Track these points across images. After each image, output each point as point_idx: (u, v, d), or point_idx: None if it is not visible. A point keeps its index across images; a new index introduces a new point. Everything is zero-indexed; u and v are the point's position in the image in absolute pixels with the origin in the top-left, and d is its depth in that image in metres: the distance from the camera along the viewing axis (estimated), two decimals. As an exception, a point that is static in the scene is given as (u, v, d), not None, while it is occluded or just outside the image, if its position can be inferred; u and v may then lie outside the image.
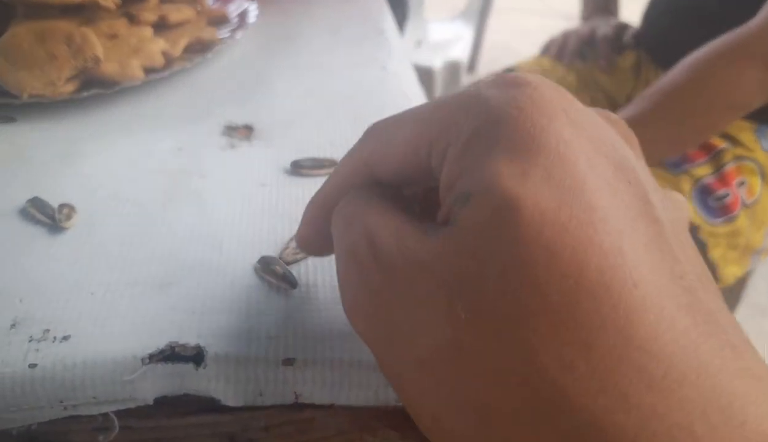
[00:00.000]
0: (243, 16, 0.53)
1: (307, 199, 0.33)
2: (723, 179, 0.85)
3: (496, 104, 0.17)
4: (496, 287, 0.15)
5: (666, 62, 0.91)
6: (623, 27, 1.10)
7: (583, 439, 0.14)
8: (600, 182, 0.16)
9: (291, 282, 0.28)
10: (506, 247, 0.15)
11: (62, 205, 0.32)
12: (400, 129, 0.20)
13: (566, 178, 0.16)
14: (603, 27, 1.10)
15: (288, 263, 0.29)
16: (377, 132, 0.21)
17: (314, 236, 0.25)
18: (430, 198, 0.23)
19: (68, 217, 0.31)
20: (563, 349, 0.15)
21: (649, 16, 1.04)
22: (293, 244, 0.30)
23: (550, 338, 0.15)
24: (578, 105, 0.18)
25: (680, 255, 0.16)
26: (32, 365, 0.24)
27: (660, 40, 1.01)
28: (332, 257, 0.29)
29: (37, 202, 0.32)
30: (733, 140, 0.87)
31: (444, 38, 2.04)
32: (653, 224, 0.17)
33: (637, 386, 0.14)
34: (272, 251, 0.30)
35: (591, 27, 1.12)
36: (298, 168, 0.35)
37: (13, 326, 0.25)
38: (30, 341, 0.25)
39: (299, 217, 0.32)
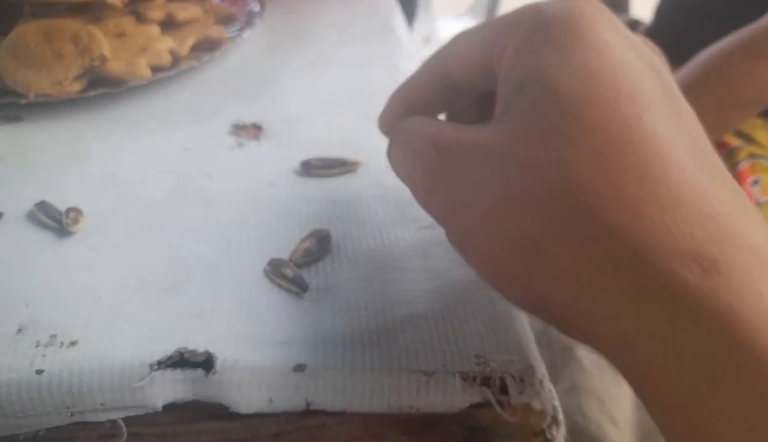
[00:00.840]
0: (251, 14, 0.52)
1: (318, 199, 0.33)
2: (736, 178, 0.84)
3: (548, 12, 0.21)
4: (540, 146, 0.19)
5: (678, 59, 0.90)
6: (634, 24, 1.09)
7: (611, 250, 0.18)
8: (629, 70, 0.20)
9: (302, 286, 0.27)
10: (548, 119, 0.19)
11: (69, 209, 0.31)
12: (473, 36, 0.24)
13: (600, 67, 0.20)
14: (613, 23, 1.09)
15: (298, 266, 0.28)
16: (457, 38, 0.25)
17: (391, 117, 0.28)
18: (483, 108, 0.27)
19: (75, 221, 0.31)
20: (594, 182, 0.18)
21: (661, 12, 1.03)
22: (303, 246, 0.29)
23: (581, 174, 0.19)
24: (619, 20, 0.22)
25: (696, 135, 0.20)
26: (39, 371, 0.23)
27: (672, 37, 0.99)
28: (342, 266, 0.29)
29: (44, 207, 0.32)
30: (747, 138, 0.86)
31: (452, 35, 2.03)
32: (675, 107, 0.20)
33: (650, 206, 0.18)
34: (282, 253, 0.29)
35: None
36: (307, 168, 0.35)
37: (19, 331, 0.25)
38: (37, 347, 0.24)
39: (309, 218, 0.31)
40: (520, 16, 0.22)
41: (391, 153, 0.26)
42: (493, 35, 0.23)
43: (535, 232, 0.19)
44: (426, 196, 0.23)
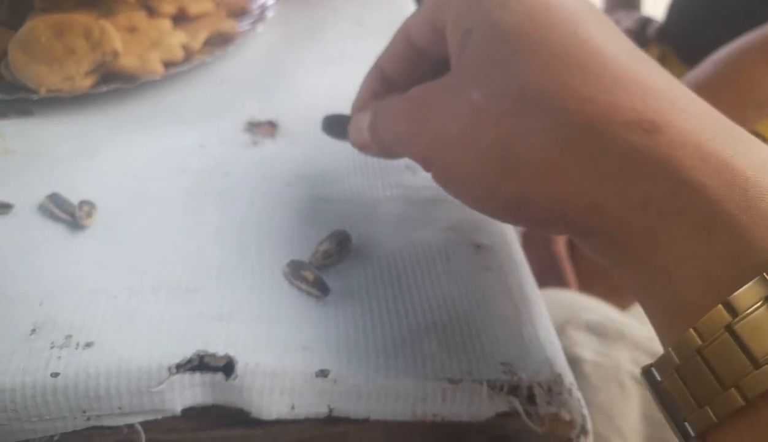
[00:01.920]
0: (263, 7, 0.52)
1: (336, 199, 0.32)
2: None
3: None
4: (495, 69, 0.23)
5: (690, 57, 0.89)
6: (647, 21, 1.08)
7: (569, 134, 0.21)
8: (558, 2, 0.23)
9: (323, 289, 0.26)
10: (499, 48, 0.23)
11: (82, 202, 0.31)
12: (422, 9, 0.28)
13: (533, 2, 0.23)
14: (626, 21, 1.08)
15: (318, 268, 0.28)
16: (416, 10, 0.28)
17: (368, 99, 0.31)
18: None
19: (89, 214, 0.30)
20: (546, 84, 0.22)
21: (674, 10, 1.02)
22: (323, 248, 0.28)
23: (534, 82, 0.22)
24: None
25: (625, 40, 0.23)
26: (54, 374, 0.23)
27: (684, 34, 0.99)
28: (362, 268, 0.28)
29: (56, 199, 0.31)
30: (762, 138, 0.85)
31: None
32: (604, 21, 0.23)
33: (595, 91, 0.21)
34: (301, 255, 0.28)
35: (613, 21, 1.10)
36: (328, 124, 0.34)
37: (33, 331, 0.24)
38: (52, 348, 0.24)
39: (329, 219, 0.31)
40: None
41: (376, 120, 0.28)
42: (435, 8, 0.27)
43: (504, 137, 0.22)
44: (408, 143, 0.26)
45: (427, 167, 0.26)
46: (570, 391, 0.24)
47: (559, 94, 0.21)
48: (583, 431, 0.24)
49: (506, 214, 0.24)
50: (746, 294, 0.17)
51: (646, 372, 0.20)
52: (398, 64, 0.30)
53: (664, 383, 0.19)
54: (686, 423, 0.19)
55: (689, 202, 0.19)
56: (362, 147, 0.30)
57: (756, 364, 0.17)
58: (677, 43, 1.00)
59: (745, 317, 0.17)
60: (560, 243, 0.80)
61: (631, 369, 0.50)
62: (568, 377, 0.24)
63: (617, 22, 1.09)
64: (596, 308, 0.56)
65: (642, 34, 1.06)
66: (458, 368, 0.24)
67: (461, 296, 0.27)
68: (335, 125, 0.33)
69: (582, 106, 0.21)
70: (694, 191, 0.19)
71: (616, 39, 0.23)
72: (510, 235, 0.31)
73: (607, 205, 0.20)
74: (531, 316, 0.26)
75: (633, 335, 0.51)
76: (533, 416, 0.24)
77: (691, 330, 0.18)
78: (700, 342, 0.18)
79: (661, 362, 0.19)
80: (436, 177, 0.25)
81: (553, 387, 0.24)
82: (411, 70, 0.29)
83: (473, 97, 0.23)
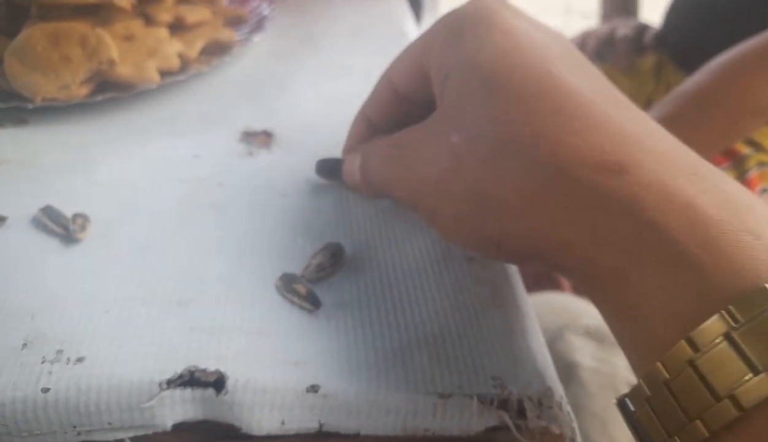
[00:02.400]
0: (260, 16, 0.52)
1: (330, 211, 0.32)
2: (745, 185, 0.83)
3: (462, 12, 0.26)
4: (472, 114, 0.24)
5: (687, 64, 0.89)
6: (644, 28, 1.08)
7: (542, 177, 0.22)
8: (534, 42, 0.24)
9: (315, 303, 0.26)
10: (475, 92, 0.24)
11: (76, 215, 0.31)
12: (408, 49, 0.29)
13: (510, 43, 0.24)
14: (623, 27, 1.08)
15: (311, 281, 0.28)
16: (397, 58, 0.30)
17: (357, 138, 0.32)
18: None
19: (82, 227, 0.30)
20: (521, 127, 0.22)
21: (671, 16, 1.02)
22: (316, 261, 0.28)
23: (509, 125, 0.23)
24: (522, 12, 0.26)
25: (599, 78, 0.24)
26: (45, 389, 0.23)
27: (681, 41, 0.99)
28: (355, 281, 0.28)
29: (49, 212, 0.31)
30: (757, 146, 0.85)
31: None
32: (578, 61, 0.25)
33: (566, 135, 0.22)
34: (294, 267, 0.28)
35: (610, 27, 1.10)
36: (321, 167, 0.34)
37: (24, 345, 0.24)
38: (43, 363, 0.24)
39: (321, 231, 0.31)
40: (441, 20, 0.27)
41: (364, 164, 0.30)
42: (422, 42, 0.28)
43: (482, 180, 0.23)
44: (393, 187, 0.28)
45: (413, 210, 0.27)
46: (560, 404, 0.24)
47: (533, 138, 0.22)
48: (574, 445, 0.24)
49: (488, 252, 0.25)
50: (707, 330, 0.18)
51: (621, 403, 0.21)
52: (382, 110, 0.31)
53: (637, 414, 0.20)
54: None
55: (653, 242, 0.19)
56: (356, 189, 0.32)
57: (717, 398, 0.17)
58: (674, 50, 1.01)
59: (706, 352, 0.18)
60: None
61: (628, 377, 0.50)
62: (558, 391, 0.24)
63: (614, 29, 1.09)
64: (595, 313, 0.56)
65: (639, 40, 1.06)
66: (449, 382, 0.24)
67: (453, 309, 0.27)
68: (328, 168, 0.34)
69: (554, 149, 0.22)
70: (658, 232, 0.19)
71: (590, 78, 0.24)
72: (503, 247, 0.31)
73: (577, 243, 0.21)
74: (522, 329, 0.26)
75: None
76: (523, 430, 0.24)
77: (658, 364, 0.19)
78: (666, 375, 0.18)
79: (633, 393, 0.20)
80: (423, 218, 0.27)
81: (543, 401, 0.24)
82: (395, 115, 0.31)
83: (452, 140, 0.24)
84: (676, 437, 0.18)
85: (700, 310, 0.18)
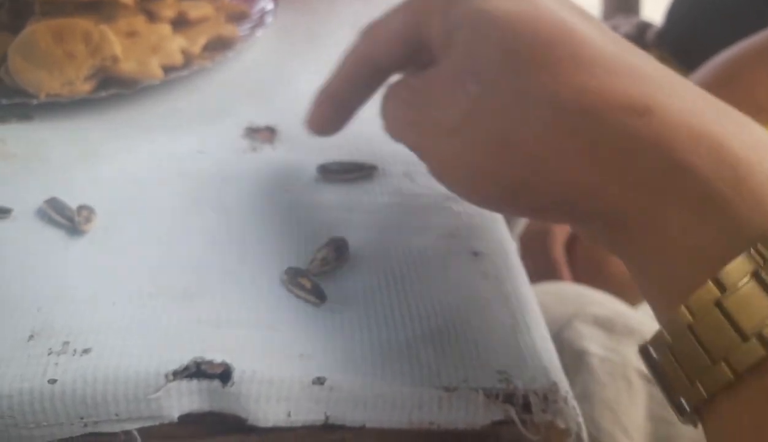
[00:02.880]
0: (263, 12, 0.52)
1: (334, 206, 0.32)
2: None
3: None
4: (488, 60, 0.23)
5: (689, 61, 0.89)
6: (646, 26, 1.08)
7: (565, 123, 0.21)
8: None
9: (320, 297, 0.26)
10: (489, 38, 0.23)
11: (81, 207, 0.31)
12: (389, 23, 0.28)
13: None
14: (625, 25, 1.08)
15: (315, 276, 0.28)
16: (370, 31, 0.29)
17: (322, 119, 0.32)
18: None
19: (88, 219, 0.30)
20: (540, 75, 0.22)
21: (673, 14, 1.02)
22: (321, 255, 0.28)
23: (527, 72, 0.22)
24: None
25: (608, 30, 0.24)
26: (52, 381, 0.23)
27: (683, 39, 0.99)
28: (360, 275, 0.28)
29: (54, 203, 0.31)
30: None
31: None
32: (586, 14, 0.24)
33: (588, 79, 0.21)
34: (299, 262, 0.28)
35: (612, 25, 1.10)
36: (324, 172, 0.34)
37: (31, 337, 0.25)
38: (49, 354, 0.24)
39: (327, 226, 0.31)
40: None
41: (382, 110, 0.28)
42: (415, 13, 0.27)
43: (503, 128, 0.23)
44: (405, 131, 0.27)
45: (422, 157, 0.27)
46: (565, 399, 0.24)
47: (553, 84, 0.22)
48: (578, 439, 0.24)
49: (505, 203, 0.25)
50: (734, 270, 0.18)
51: (643, 350, 0.21)
52: (356, 90, 0.30)
53: (660, 361, 0.20)
54: (681, 399, 0.19)
55: (682, 183, 0.19)
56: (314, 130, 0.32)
57: (744, 337, 0.17)
58: (676, 48, 1.01)
59: (733, 293, 0.17)
60: (558, 249, 0.80)
61: (638, 365, 0.50)
62: (564, 386, 0.24)
63: (616, 27, 1.09)
64: (604, 302, 0.56)
65: (641, 38, 1.06)
66: (454, 376, 0.24)
67: (458, 304, 0.27)
68: (329, 171, 0.34)
69: (576, 95, 0.21)
70: (686, 171, 0.19)
71: (601, 28, 0.24)
72: (507, 242, 0.31)
73: (603, 186, 0.21)
74: (528, 324, 0.26)
75: (641, 330, 0.51)
76: (528, 424, 0.24)
77: (683, 307, 0.18)
78: (690, 319, 0.18)
79: (655, 340, 0.20)
80: (432, 168, 0.26)
81: (549, 395, 0.24)
82: (370, 93, 0.30)
83: (470, 89, 0.24)
84: (697, 383, 0.18)
85: (728, 249, 0.18)
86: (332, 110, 0.31)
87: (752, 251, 0.17)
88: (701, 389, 0.18)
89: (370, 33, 0.29)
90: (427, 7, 0.26)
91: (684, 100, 0.21)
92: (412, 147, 0.27)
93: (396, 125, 0.28)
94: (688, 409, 0.19)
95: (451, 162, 0.25)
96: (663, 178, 0.20)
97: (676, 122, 0.20)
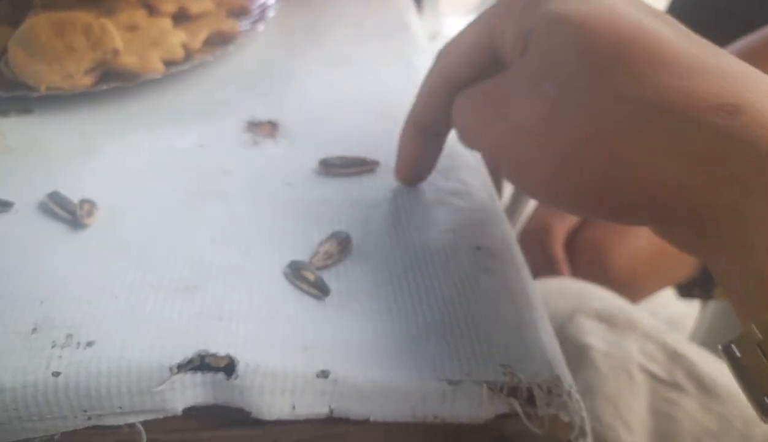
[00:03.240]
0: (263, 6, 0.52)
1: (336, 200, 0.32)
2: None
3: None
4: (567, 62, 0.23)
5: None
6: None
7: (653, 122, 0.21)
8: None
9: (323, 290, 0.26)
10: (566, 40, 0.24)
11: (83, 201, 0.31)
12: (462, 38, 0.29)
13: None
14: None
15: (318, 269, 0.28)
16: (445, 50, 0.29)
17: (415, 161, 0.32)
18: None
19: (90, 213, 0.30)
20: (622, 75, 0.22)
21: (672, 14, 1.03)
22: (324, 248, 0.28)
23: (610, 73, 0.22)
24: None
25: (685, 30, 0.24)
26: (56, 373, 0.23)
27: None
28: (363, 269, 0.28)
29: (56, 197, 0.31)
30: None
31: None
32: (658, 13, 0.24)
33: (673, 80, 0.22)
34: (301, 256, 0.28)
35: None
36: (326, 167, 0.34)
37: (34, 330, 0.24)
38: (53, 347, 0.24)
39: (329, 220, 0.31)
40: (505, 2, 0.27)
41: (454, 120, 0.29)
42: (487, 25, 0.27)
43: (584, 130, 0.23)
44: (481, 138, 0.27)
45: (497, 162, 0.27)
46: (569, 393, 0.24)
47: (635, 84, 0.22)
48: (582, 433, 0.24)
49: (589, 206, 0.24)
50: None
51: (726, 348, 0.21)
52: (439, 114, 0.30)
53: (744, 359, 0.20)
54: (766, 399, 0.19)
55: None
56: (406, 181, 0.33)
57: None
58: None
59: None
60: (557, 247, 0.80)
61: (640, 360, 0.50)
62: (568, 379, 0.24)
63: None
64: (606, 297, 0.56)
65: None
66: (458, 370, 0.24)
67: (461, 298, 0.27)
68: (331, 166, 0.34)
69: (661, 94, 0.21)
70: None
71: (681, 31, 0.24)
72: (510, 237, 0.31)
73: (692, 185, 0.21)
74: (531, 318, 0.26)
75: (643, 325, 0.51)
76: (533, 418, 0.24)
77: None
78: None
79: (742, 338, 0.20)
80: (511, 173, 0.26)
81: (553, 389, 0.24)
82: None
83: (548, 91, 0.24)
84: None
85: None
86: (421, 140, 0.31)
87: None
88: None
89: (445, 52, 0.29)
90: (500, 17, 0.27)
91: None
92: (489, 152, 0.27)
93: (471, 132, 0.28)
94: None
95: (531, 165, 0.25)
96: (755, 176, 0.20)
97: (765, 121, 0.20)
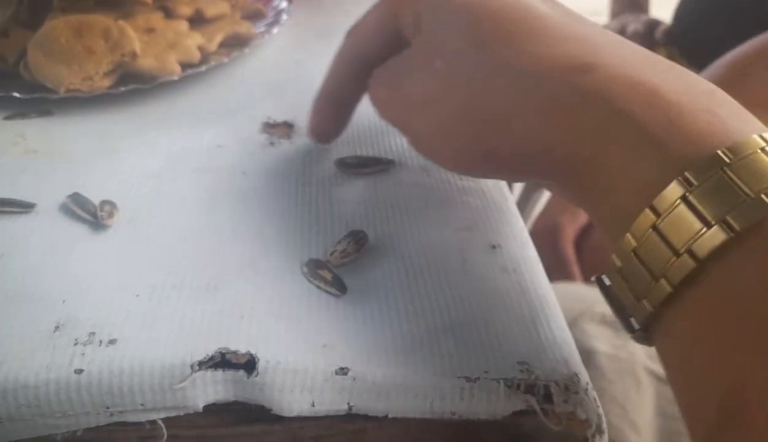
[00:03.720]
0: (278, 10, 0.52)
1: (352, 199, 0.33)
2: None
3: None
4: (453, 38, 0.27)
5: (698, 59, 0.89)
6: (654, 23, 1.08)
7: (525, 86, 0.24)
8: None
9: (341, 288, 0.27)
10: (450, 16, 0.27)
11: (104, 202, 0.31)
12: (369, 17, 0.32)
13: None
14: (633, 23, 1.08)
15: (336, 267, 0.28)
16: (352, 31, 0.33)
17: (323, 125, 0.35)
18: None
19: (110, 214, 0.31)
20: (501, 45, 0.25)
21: (681, 12, 1.02)
22: (341, 247, 0.29)
23: (490, 43, 0.26)
24: None
25: (564, 7, 0.27)
26: (78, 371, 0.23)
27: (692, 36, 0.99)
28: (380, 267, 0.28)
29: (77, 199, 0.31)
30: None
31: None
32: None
33: (541, 47, 0.25)
34: (319, 254, 0.29)
35: (621, 24, 1.10)
36: (342, 166, 0.34)
37: (57, 328, 0.25)
38: (75, 345, 0.24)
39: (345, 219, 0.31)
40: None
41: (370, 92, 0.32)
42: (391, 5, 0.30)
43: (469, 97, 0.25)
44: (388, 110, 0.30)
45: (403, 132, 0.29)
46: (586, 390, 0.24)
47: (513, 55, 0.25)
48: (599, 430, 0.24)
49: (476, 168, 0.27)
50: (666, 196, 0.20)
51: (599, 279, 0.23)
52: (351, 87, 0.33)
53: (612, 286, 0.22)
54: (632, 320, 0.22)
55: (621, 128, 0.22)
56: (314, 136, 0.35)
57: (676, 253, 0.19)
58: (685, 46, 1.00)
59: (666, 216, 0.20)
60: (567, 246, 0.80)
61: (646, 362, 0.50)
62: (584, 377, 0.24)
63: (625, 25, 1.09)
64: None
65: (650, 36, 1.06)
66: (475, 367, 0.24)
67: (477, 296, 0.27)
68: (347, 165, 0.35)
69: (531, 61, 0.24)
70: (625, 118, 0.21)
71: (553, 4, 0.27)
72: (525, 235, 0.31)
73: (558, 142, 0.23)
74: (547, 316, 0.27)
75: None
76: (550, 415, 0.24)
77: (628, 234, 0.21)
78: (634, 244, 0.20)
79: (608, 268, 0.22)
80: (411, 140, 0.29)
81: (570, 386, 0.24)
82: (364, 89, 0.33)
83: (437, 64, 0.27)
84: (644, 300, 0.20)
85: (661, 180, 0.20)
86: (331, 110, 0.34)
87: (680, 178, 0.19)
88: (647, 305, 0.20)
89: (353, 32, 0.33)
90: (395, 2, 0.30)
91: (625, 56, 0.23)
92: (394, 123, 0.30)
93: (380, 105, 0.31)
94: (636, 326, 0.22)
95: (425, 133, 0.27)
96: (605, 127, 0.22)
97: (615, 75, 0.22)
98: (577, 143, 0.23)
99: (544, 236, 0.80)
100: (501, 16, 0.26)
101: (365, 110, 0.33)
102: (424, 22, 0.28)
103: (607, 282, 0.23)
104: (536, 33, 0.25)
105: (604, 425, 0.24)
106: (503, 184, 0.35)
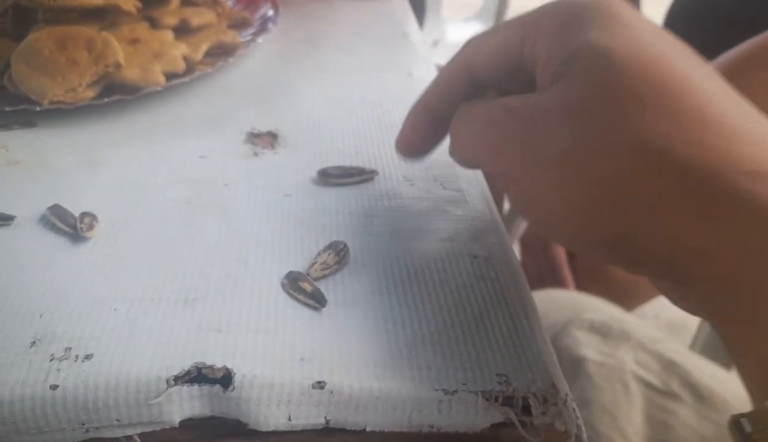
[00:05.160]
0: (264, 18, 0.52)
1: (335, 210, 0.32)
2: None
3: (574, 1, 0.25)
4: (606, 102, 0.22)
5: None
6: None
7: (686, 181, 0.21)
8: (666, 41, 0.23)
9: (320, 301, 0.27)
10: (608, 78, 0.22)
11: (84, 214, 0.31)
12: (494, 35, 0.27)
13: (642, 37, 0.23)
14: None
15: (316, 279, 0.28)
16: (474, 42, 0.28)
17: (415, 139, 0.31)
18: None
19: (90, 226, 0.31)
20: (664, 127, 0.21)
21: (672, 17, 1.02)
22: (321, 259, 0.29)
23: (650, 122, 0.21)
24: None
25: (730, 90, 0.23)
26: (53, 386, 0.23)
27: (685, 39, 0.99)
28: (360, 279, 0.28)
29: (57, 210, 0.31)
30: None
31: (461, 38, 2.01)
32: (705, 67, 0.23)
33: (715, 139, 0.21)
34: (299, 266, 0.29)
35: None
36: (325, 177, 0.34)
37: (33, 343, 0.25)
38: (51, 360, 0.24)
39: (327, 230, 0.31)
40: (546, 11, 0.26)
41: (457, 128, 0.27)
42: (521, 30, 0.26)
43: (614, 176, 0.22)
44: (494, 156, 0.25)
45: (506, 184, 0.25)
46: (565, 401, 0.24)
47: (678, 142, 0.21)
48: (579, 441, 0.24)
49: (598, 251, 0.24)
50: None
51: (736, 422, 0.20)
52: (452, 100, 0.28)
53: (755, 436, 0.19)
54: None
55: None
56: (408, 155, 0.32)
57: None
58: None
59: None
60: (560, 251, 0.80)
61: (635, 369, 0.50)
62: (564, 388, 0.24)
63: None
64: (600, 308, 0.56)
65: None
66: (454, 379, 0.24)
67: (457, 307, 0.27)
68: (330, 176, 0.34)
69: (703, 156, 0.21)
70: None
71: (726, 90, 0.23)
72: (507, 246, 0.31)
73: (718, 252, 0.20)
74: (527, 327, 0.26)
75: (637, 335, 0.51)
76: (528, 427, 0.24)
77: None
78: None
79: (754, 415, 0.19)
80: (518, 199, 0.25)
81: (548, 398, 0.24)
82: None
83: (582, 129, 0.22)
84: None
85: None
86: (428, 123, 0.30)
87: None
88: None
89: (473, 44, 0.28)
90: (536, 27, 0.25)
91: None
92: (497, 173, 0.26)
93: (482, 147, 0.26)
94: None
95: (544, 197, 0.24)
96: None
97: None
98: (746, 261, 0.20)
99: (537, 242, 0.80)
100: (671, 91, 0.22)
101: (350, 120, 0.33)
102: (572, 71, 0.23)
103: (748, 429, 0.20)
104: (712, 121, 0.21)
105: (584, 436, 0.24)
106: (487, 194, 0.35)
